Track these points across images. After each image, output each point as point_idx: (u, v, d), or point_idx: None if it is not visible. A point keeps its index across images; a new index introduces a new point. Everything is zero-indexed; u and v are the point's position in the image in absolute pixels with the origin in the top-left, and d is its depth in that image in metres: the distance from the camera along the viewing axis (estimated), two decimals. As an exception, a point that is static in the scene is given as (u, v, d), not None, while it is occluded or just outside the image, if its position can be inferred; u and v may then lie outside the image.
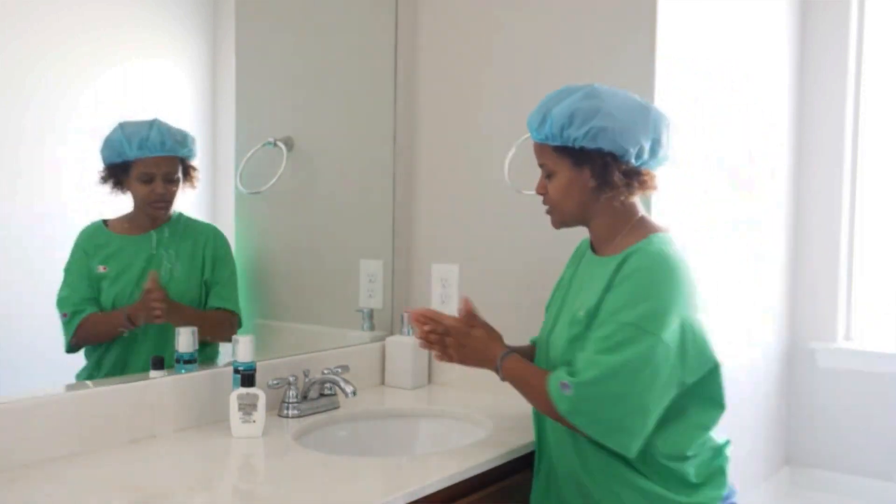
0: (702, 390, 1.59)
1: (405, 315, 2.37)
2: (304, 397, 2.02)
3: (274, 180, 2.20)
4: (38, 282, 1.78)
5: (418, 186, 2.51)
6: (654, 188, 1.67)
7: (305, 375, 2.04)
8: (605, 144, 1.58)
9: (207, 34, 2.12)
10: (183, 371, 1.88)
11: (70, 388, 1.74)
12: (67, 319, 1.81)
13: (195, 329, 1.91)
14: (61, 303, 1.81)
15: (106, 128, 1.84)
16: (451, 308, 2.41)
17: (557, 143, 1.61)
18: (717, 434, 1.66)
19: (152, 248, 1.92)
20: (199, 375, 1.89)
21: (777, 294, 3.24)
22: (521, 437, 1.83)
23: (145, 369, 1.86)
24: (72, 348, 1.83)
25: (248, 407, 1.81)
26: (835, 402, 3.29)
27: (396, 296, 2.49)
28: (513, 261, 2.31)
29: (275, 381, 1.97)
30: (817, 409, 3.32)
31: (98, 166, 1.85)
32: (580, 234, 1.77)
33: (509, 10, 2.33)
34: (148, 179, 1.89)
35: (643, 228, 1.65)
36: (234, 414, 1.81)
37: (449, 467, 1.63)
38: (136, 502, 1.43)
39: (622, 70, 2.15)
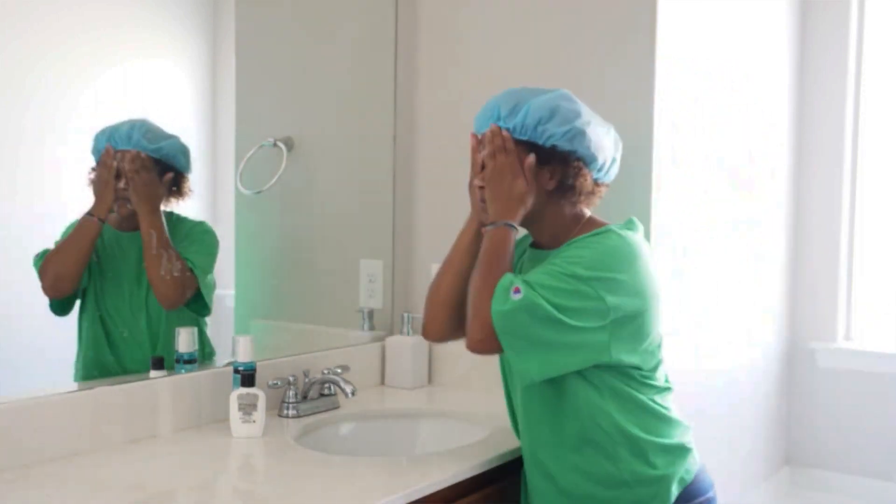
0: (641, 374, 1.58)
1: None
2: (304, 397, 2.02)
3: (274, 180, 2.20)
4: (38, 282, 1.77)
5: (418, 186, 2.51)
6: (596, 203, 1.66)
7: (305, 375, 2.04)
8: (580, 149, 1.56)
9: (207, 34, 2.12)
10: (183, 371, 1.88)
11: (70, 388, 1.74)
12: (37, 258, 1.76)
13: (195, 329, 1.91)
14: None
15: (102, 126, 1.84)
16: (451, 308, 2.41)
17: (525, 136, 1.57)
18: (701, 432, 1.68)
19: (145, 220, 1.90)
20: (199, 375, 1.90)
21: (777, 294, 3.24)
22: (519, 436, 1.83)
23: (136, 371, 1.85)
24: (51, 301, 1.78)
25: (248, 407, 1.81)
26: (835, 402, 3.29)
27: (396, 296, 2.49)
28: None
29: (275, 381, 1.97)
30: (817, 409, 3.32)
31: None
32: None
33: (509, 11, 2.33)
34: (117, 174, 1.85)
35: (596, 224, 1.63)
36: (234, 414, 1.81)
37: (449, 467, 1.63)
38: (136, 502, 1.43)
39: (622, 70, 2.15)
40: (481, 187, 1.62)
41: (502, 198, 1.57)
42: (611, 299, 1.47)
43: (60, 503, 1.42)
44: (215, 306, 2.12)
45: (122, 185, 1.85)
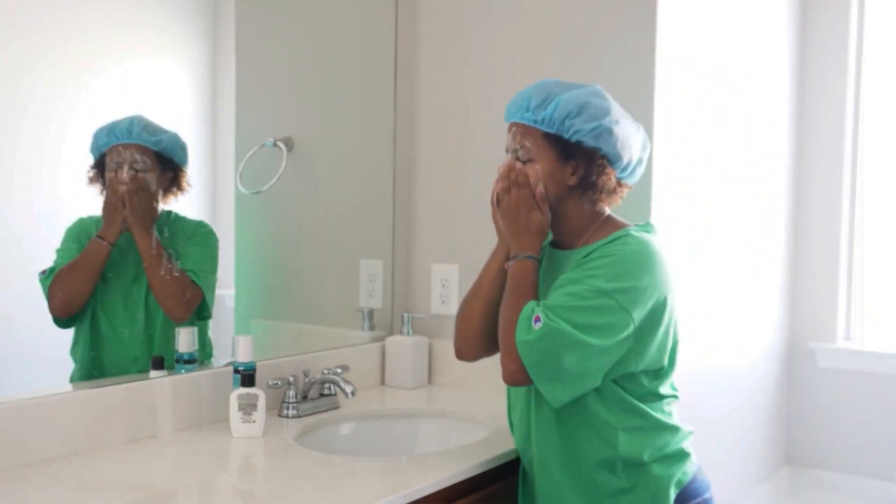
0: (651, 384, 1.57)
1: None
2: (304, 397, 2.02)
3: (274, 180, 2.20)
4: (38, 282, 1.77)
5: (418, 186, 2.51)
6: (618, 202, 1.65)
7: (305, 375, 2.04)
8: (606, 147, 1.55)
9: (207, 34, 2.12)
10: (183, 371, 1.88)
11: (70, 388, 1.74)
12: (46, 276, 1.76)
13: (195, 329, 1.91)
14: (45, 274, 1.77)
15: (103, 126, 1.84)
16: (450, 308, 2.42)
17: (552, 130, 1.56)
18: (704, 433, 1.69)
19: (141, 235, 1.90)
20: (199, 375, 1.89)
21: (777, 294, 3.24)
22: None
23: (135, 370, 1.84)
24: (57, 318, 1.78)
25: (248, 407, 1.81)
26: (835, 402, 3.29)
27: (396, 296, 2.49)
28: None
29: (275, 381, 1.97)
30: (817, 409, 3.32)
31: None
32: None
33: (509, 10, 2.33)
34: (116, 167, 1.85)
35: (616, 223, 1.62)
36: (234, 414, 1.81)
37: (449, 467, 1.63)
38: (136, 502, 1.43)
39: (622, 70, 2.15)
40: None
41: (521, 233, 1.58)
42: (636, 310, 1.47)
43: (60, 503, 1.42)
44: (215, 306, 2.12)
45: (123, 181, 1.85)
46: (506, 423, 1.81)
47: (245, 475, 1.71)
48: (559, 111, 1.54)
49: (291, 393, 2.00)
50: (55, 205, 1.83)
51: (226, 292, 2.16)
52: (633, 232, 1.56)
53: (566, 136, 1.55)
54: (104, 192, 1.85)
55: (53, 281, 1.77)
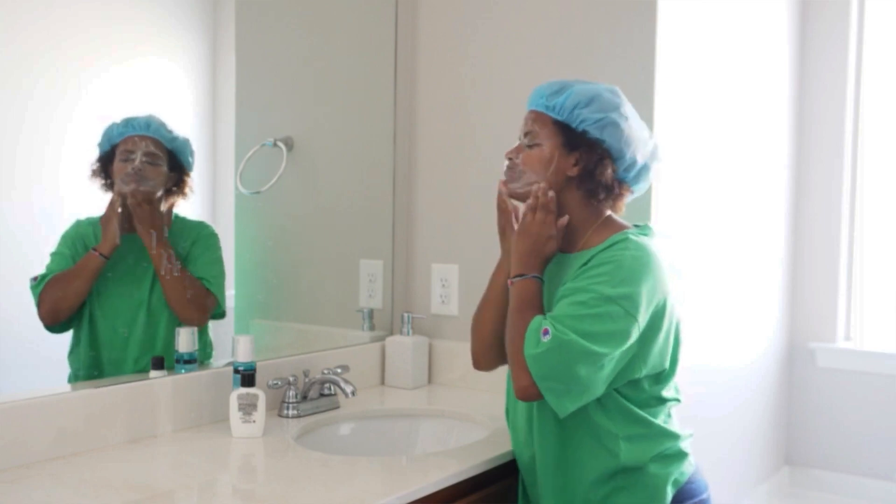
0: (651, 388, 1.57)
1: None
2: (304, 397, 2.02)
3: (274, 180, 2.20)
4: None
5: (418, 186, 2.51)
6: (621, 208, 1.65)
7: (305, 375, 2.04)
8: (611, 140, 1.56)
9: (207, 34, 2.12)
10: (183, 371, 1.88)
11: (70, 388, 1.74)
12: (37, 283, 1.74)
13: (195, 329, 1.91)
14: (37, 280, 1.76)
15: (103, 126, 1.84)
16: (450, 308, 2.42)
17: (561, 117, 1.57)
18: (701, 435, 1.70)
19: (152, 248, 1.91)
20: (199, 375, 1.90)
21: (777, 294, 3.24)
22: (521, 437, 1.83)
23: (136, 370, 1.84)
24: (47, 323, 1.77)
25: (248, 407, 1.81)
26: (835, 402, 3.29)
27: (396, 296, 2.49)
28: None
29: (275, 381, 1.97)
30: (817, 409, 3.32)
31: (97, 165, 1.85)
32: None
33: (509, 10, 2.33)
34: (126, 158, 1.84)
35: (614, 225, 1.62)
36: (234, 414, 1.81)
37: (449, 467, 1.63)
38: (136, 502, 1.43)
39: (622, 70, 2.15)
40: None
41: (534, 254, 1.58)
42: (641, 315, 1.47)
43: (60, 503, 1.42)
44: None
45: (130, 168, 1.84)
46: (504, 422, 1.81)
47: (245, 475, 1.71)
48: (570, 100, 1.56)
49: (291, 393, 2.00)
50: (55, 205, 1.83)
51: (226, 292, 2.16)
52: (631, 236, 1.56)
53: (573, 125, 1.56)
54: (105, 187, 1.84)
55: (44, 289, 1.76)
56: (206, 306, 1.98)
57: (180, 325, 1.91)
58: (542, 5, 2.27)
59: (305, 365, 2.09)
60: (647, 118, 2.12)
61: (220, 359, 2.03)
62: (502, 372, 1.74)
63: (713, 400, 2.67)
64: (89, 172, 1.83)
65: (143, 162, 1.86)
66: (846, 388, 3.26)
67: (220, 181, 2.15)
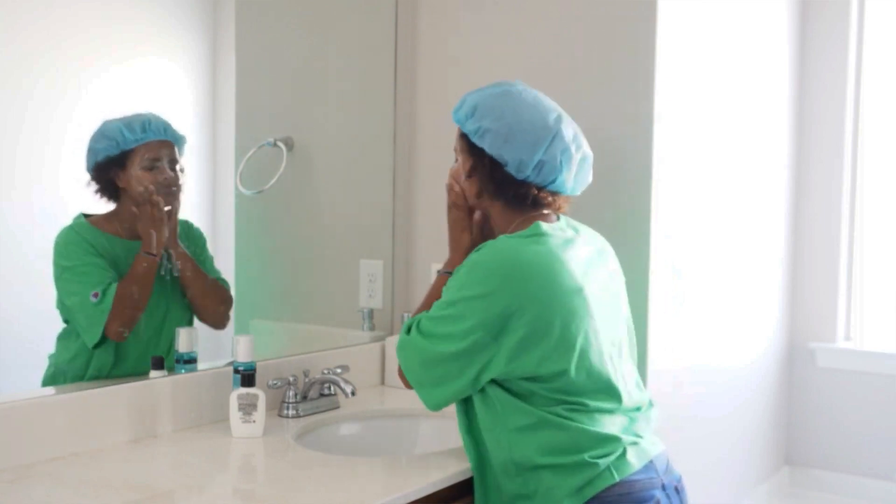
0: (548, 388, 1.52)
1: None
2: (304, 397, 2.02)
3: (274, 180, 2.20)
4: (37, 282, 1.77)
5: (418, 186, 2.51)
6: (548, 206, 1.61)
7: (305, 375, 2.04)
8: (488, 147, 1.58)
9: (207, 34, 2.12)
10: (183, 371, 1.88)
11: (70, 388, 1.74)
12: (99, 300, 1.72)
13: (195, 329, 1.91)
14: (76, 296, 1.72)
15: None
16: (451, 308, 2.41)
17: (464, 129, 1.63)
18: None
19: (177, 250, 1.89)
20: (199, 375, 1.89)
21: (777, 294, 3.24)
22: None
23: (138, 372, 1.83)
24: (118, 337, 1.76)
25: (248, 407, 1.81)
26: (835, 402, 3.29)
27: (396, 296, 2.49)
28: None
29: (275, 381, 1.97)
30: (817, 409, 3.32)
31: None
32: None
33: (510, 11, 2.33)
34: (152, 165, 1.82)
35: (516, 230, 1.61)
36: (234, 414, 1.81)
37: (449, 467, 1.63)
38: (136, 502, 1.43)
39: (622, 70, 2.15)
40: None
41: (452, 248, 1.71)
42: (478, 317, 1.48)
43: (60, 503, 1.42)
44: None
45: (162, 178, 1.83)
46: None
47: (245, 475, 1.71)
48: (463, 110, 1.63)
49: (291, 393, 2.00)
50: (55, 204, 1.83)
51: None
52: (503, 238, 1.57)
53: (470, 137, 1.62)
54: (109, 192, 1.81)
55: (117, 302, 1.74)
56: (229, 303, 2.02)
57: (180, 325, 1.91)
58: (542, 6, 2.27)
59: (305, 365, 2.09)
60: (648, 118, 2.12)
61: (219, 359, 2.03)
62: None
63: (713, 400, 2.67)
64: (91, 174, 1.79)
65: (172, 170, 1.85)
66: (846, 388, 3.26)
67: (220, 181, 2.15)
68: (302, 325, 2.34)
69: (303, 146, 2.28)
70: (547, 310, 1.48)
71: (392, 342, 2.37)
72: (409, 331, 1.59)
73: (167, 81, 2.02)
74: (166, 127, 1.86)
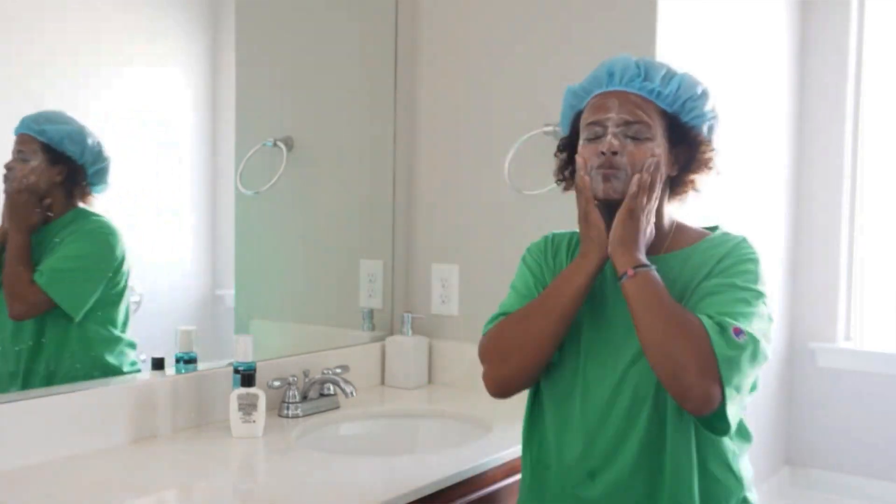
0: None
1: None
2: (304, 397, 2.02)
3: (274, 180, 2.20)
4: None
5: (418, 186, 2.51)
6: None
7: (305, 375, 2.05)
8: (713, 139, 1.44)
9: (207, 35, 2.12)
10: (183, 371, 1.88)
11: (70, 388, 1.74)
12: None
13: (194, 329, 1.91)
14: None
15: (104, 127, 1.84)
16: (450, 308, 2.41)
17: (670, 108, 1.38)
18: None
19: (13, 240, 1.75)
20: (199, 375, 1.89)
21: (777, 294, 3.24)
22: (520, 436, 1.83)
23: (42, 384, 1.74)
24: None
25: (248, 407, 1.81)
26: (835, 402, 3.29)
27: (396, 296, 2.49)
28: (513, 261, 2.30)
29: (275, 382, 1.97)
30: (817, 409, 3.32)
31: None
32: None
33: (510, 11, 2.33)
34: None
35: (687, 225, 1.50)
36: (234, 414, 1.81)
37: (449, 467, 1.63)
38: (136, 502, 1.42)
39: (622, 70, 2.15)
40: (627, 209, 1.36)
41: (638, 240, 1.34)
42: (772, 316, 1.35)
43: (60, 503, 1.42)
44: (216, 306, 2.12)
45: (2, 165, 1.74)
46: (505, 422, 1.80)
47: (245, 475, 1.71)
48: (683, 89, 1.38)
49: (291, 393, 2.00)
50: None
51: (226, 292, 2.16)
52: (733, 235, 1.47)
53: (683, 119, 1.40)
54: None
55: None
56: (25, 298, 1.77)
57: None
58: (542, 6, 2.27)
59: (305, 365, 2.09)
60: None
61: (219, 359, 2.03)
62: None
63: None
64: None
65: (14, 159, 1.75)
66: (846, 388, 3.26)
67: (220, 181, 2.15)
68: (302, 325, 2.34)
69: (303, 146, 2.28)
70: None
71: (392, 342, 2.38)
72: (733, 335, 1.25)
73: (167, 82, 2.02)
74: (24, 119, 1.75)
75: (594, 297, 1.41)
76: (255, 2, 2.21)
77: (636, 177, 1.35)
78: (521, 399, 1.68)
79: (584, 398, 1.40)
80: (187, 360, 1.88)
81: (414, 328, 2.40)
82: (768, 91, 3.08)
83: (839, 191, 3.29)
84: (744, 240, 1.45)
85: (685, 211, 1.55)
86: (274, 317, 2.31)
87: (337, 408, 2.07)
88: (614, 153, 1.35)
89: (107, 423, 1.71)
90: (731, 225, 2.81)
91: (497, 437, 1.86)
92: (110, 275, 1.86)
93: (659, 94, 1.38)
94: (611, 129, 1.37)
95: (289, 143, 2.24)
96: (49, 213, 1.80)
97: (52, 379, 1.75)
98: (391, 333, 2.45)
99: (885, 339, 3.27)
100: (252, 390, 1.82)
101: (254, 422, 1.81)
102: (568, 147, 1.49)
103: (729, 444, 1.38)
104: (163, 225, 2.04)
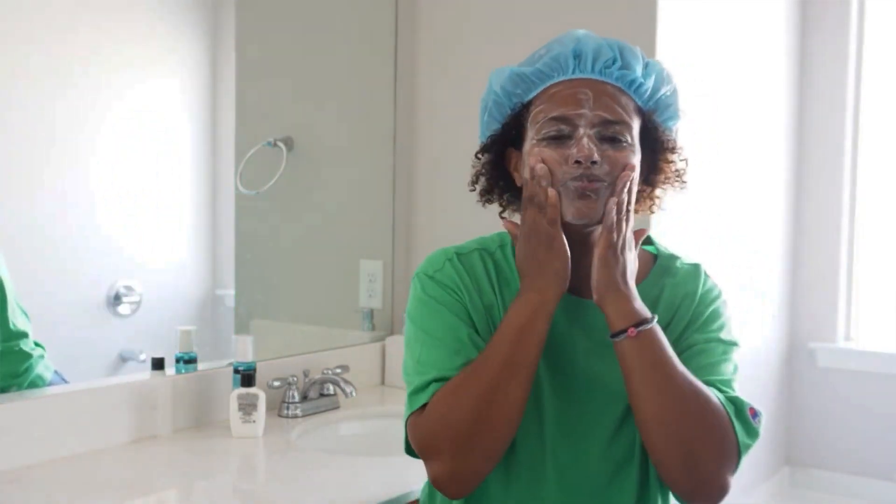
0: None
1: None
2: (304, 397, 2.02)
3: (274, 180, 2.20)
4: (36, 281, 1.77)
5: (418, 186, 2.51)
6: None
7: (305, 375, 2.05)
8: (672, 133, 1.17)
9: (207, 35, 2.12)
10: (183, 371, 1.88)
11: (69, 388, 1.74)
12: None
13: (194, 329, 1.91)
14: None
15: (104, 126, 1.84)
16: (451, 308, 2.41)
17: (646, 106, 1.12)
18: None
19: None
20: (199, 375, 1.89)
21: (777, 294, 3.24)
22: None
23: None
24: None
25: (248, 407, 1.81)
26: (835, 402, 3.29)
27: (396, 296, 2.49)
28: (513, 261, 2.31)
29: (275, 382, 1.97)
30: (817, 409, 3.32)
31: (98, 166, 1.84)
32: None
33: (509, 10, 2.33)
34: None
35: (649, 254, 1.25)
36: (234, 414, 1.81)
37: (449, 467, 1.63)
38: (136, 502, 1.43)
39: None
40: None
41: (629, 285, 1.08)
42: None
43: (60, 503, 1.42)
44: (216, 306, 2.13)
45: None
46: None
47: (245, 475, 1.71)
48: (659, 80, 1.12)
49: (291, 393, 2.00)
50: (56, 207, 1.84)
51: (226, 292, 2.16)
52: (684, 261, 1.23)
53: (657, 118, 1.14)
54: None
55: None
56: None
57: None
58: (542, 6, 2.27)
59: (305, 365, 2.09)
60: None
61: (220, 359, 2.03)
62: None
63: (713, 400, 2.66)
64: None
65: None
66: (846, 388, 3.26)
67: (220, 181, 2.15)
68: (302, 325, 2.34)
69: (303, 146, 2.28)
70: None
71: (392, 342, 2.37)
72: (751, 418, 1.13)
73: (167, 82, 2.02)
74: None
75: (548, 347, 1.11)
76: (255, 2, 2.21)
77: (612, 200, 1.06)
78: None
79: (559, 479, 1.15)
80: (187, 360, 1.88)
81: (414, 328, 2.39)
82: (768, 93, 3.08)
83: (839, 191, 3.29)
84: (703, 272, 1.22)
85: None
86: (274, 317, 2.31)
87: (337, 408, 2.07)
88: (593, 162, 1.05)
89: (107, 423, 1.71)
90: (732, 225, 2.82)
91: (497, 437, 1.86)
92: None
93: (640, 86, 1.10)
94: (583, 130, 1.06)
95: (289, 143, 2.24)
96: None
97: None
98: (391, 333, 2.45)
99: (885, 339, 3.27)
100: (252, 390, 1.82)
101: (254, 422, 1.81)
102: (494, 148, 1.21)
103: None
104: (163, 225, 2.04)
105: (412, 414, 1.14)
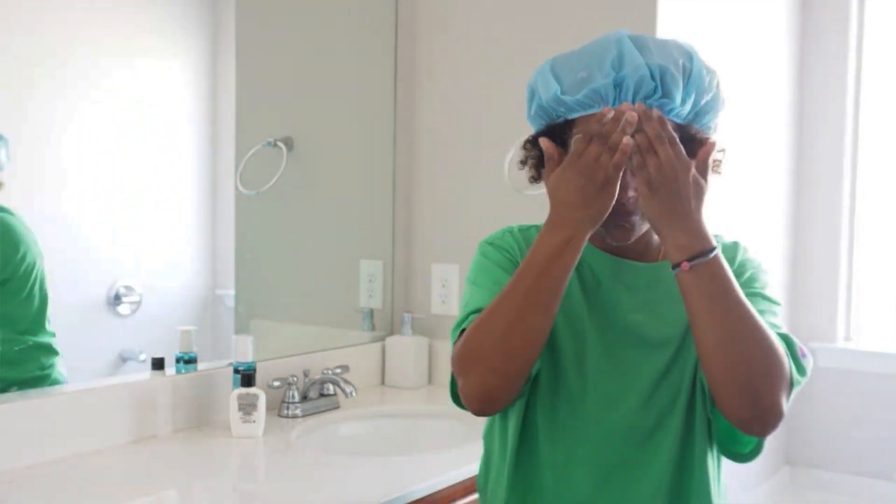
0: None
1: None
2: (304, 397, 2.02)
3: (274, 180, 2.20)
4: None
5: (418, 186, 2.51)
6: None
7: (305, 375, 2.05)
8: (711, 130, 1.21)
9: (207, 34, 2.12)
10: (183, 371, 1.88)
11: (69, 387, 1.74)
12: None
13: (194, 329, 1.91)
14: None
15: (104, 127, 1.84)
16: (450, 308, 2.41)
17: (684, 121, 1.15)
18: None
19: None
20: (199, 375, 1.90)
21: (777, 294, 3.24)
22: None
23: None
24: None
25: (248, 407, 1.81)
26: (835, 402, 3.29)
27: (396, 296, 2.49)
28: (513, 261, 2.31)
29: (275, 382, 1.97)
30: (817, 409, 3.32)
31: (98, 166, 1.84)
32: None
33: (509, 11, 2.33)
34: None
35: None
36: (234, 414, 1.81)
37: (449, 467, 1.63)
38: (137, 502, 1.43)
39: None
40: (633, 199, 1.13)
41: (685, 214, 1.07)
42: None
43: (60, 503, 1.42)
44: (216, 306, 2.12)
45: None
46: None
47: (245, 475, 1.71)
48: (699, 94, 1.14)
49: (291, 393, 2.00)
50: (56, 204, 1.84)
51: (226, 292, 2.16)
52: (722, 238, 1.28)
53: (696, 126, 1.17)
54: None
55: None
56: None
57: None
58: (542, 6, 2.27)
59: (305, 365, 2.09)
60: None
61: (220, 359, 2.03)
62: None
63: (713, 400, 2.66)
64: None
65: None
66: (846, 388, 3.26)
67: (220, 181, 2.15)
68: (302, 325, 2.34)
69: (303, 146, 2.28)
70: None
71: (392, 342, 2.38)
72: (802, 358, 1.15)
73: (167, 81, 2.02)
74: None
75: (590, 300, 1.20)
76: (255, 1, 2.21)
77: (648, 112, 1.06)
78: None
79: (597, 429, 1.20)
80: (187, 360, 1.88)
81: (414, 328, 2.40)
82: (768, 91, 3.08)
83: (839, 191, 3.29)
84: (742, 245, 1.28)
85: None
86: (274, 317, 2.31)
87: (337, 408, 2.07)
88: (631, 197, 1.12)
89: (107, 423, 1.71)
90: (732, 225, 2.82)
91: (497, 437, 1.86)
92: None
93: (678, 113, 1.14)
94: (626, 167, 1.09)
95: (289, 143, 2.24)
96: None
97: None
98: (391, 333, 2.45)
99: (885, 339, 3.27)
100: (252, 390, 1.82)
101: (254, 422, 1.81)
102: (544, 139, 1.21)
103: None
104: (163, 225, 2.04)
105: (454, 345, 1.21)
